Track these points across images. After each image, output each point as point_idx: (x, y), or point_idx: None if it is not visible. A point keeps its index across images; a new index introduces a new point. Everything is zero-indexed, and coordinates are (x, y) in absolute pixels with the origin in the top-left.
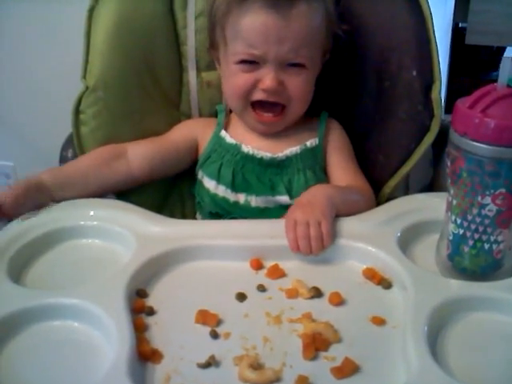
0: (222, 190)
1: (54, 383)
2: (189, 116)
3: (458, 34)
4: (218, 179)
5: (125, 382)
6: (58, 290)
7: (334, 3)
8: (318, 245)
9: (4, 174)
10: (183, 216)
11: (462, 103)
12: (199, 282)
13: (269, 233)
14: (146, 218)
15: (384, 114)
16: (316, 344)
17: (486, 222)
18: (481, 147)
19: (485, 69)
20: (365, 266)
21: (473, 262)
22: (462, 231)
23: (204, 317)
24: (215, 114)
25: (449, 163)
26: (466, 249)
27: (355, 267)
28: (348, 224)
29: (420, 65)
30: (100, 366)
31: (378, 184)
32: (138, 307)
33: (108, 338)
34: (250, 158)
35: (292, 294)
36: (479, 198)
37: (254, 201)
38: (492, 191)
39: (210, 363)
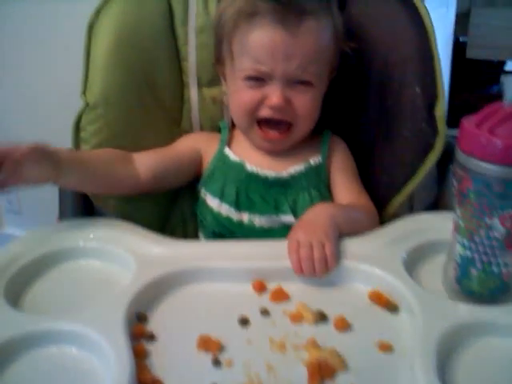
0: (225, 209)
1: None
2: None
3: (458, 47)
4: (222, 197)
5: None
6: (56, 314)
7: (342, 21)
8: (322, 267)
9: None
10: (185, 235)
11: (468, 122)
12: (201, 305)
13: (272, 254)
14: (146, 238)
15: (387, 131)
16: (321, 372)
17: (495, 244)
18: (488, 168)
19: (486, 83)
20: (370, 289)
21: (481, 285)
22: (469, 253)
23: (206, 343)
24: (217, 130)
25: (455, 183)
26: (475, 272)
27: (360, 290)
28: (352, 245)
29: (423, 81)
30: None
31: (382, 202)
32: (138, 333)
33: (107, 365)
34: (254, 177)
35: (296, 318)
36: (487, 220)
37: (258, 220)
38: (500, 212)
39: None
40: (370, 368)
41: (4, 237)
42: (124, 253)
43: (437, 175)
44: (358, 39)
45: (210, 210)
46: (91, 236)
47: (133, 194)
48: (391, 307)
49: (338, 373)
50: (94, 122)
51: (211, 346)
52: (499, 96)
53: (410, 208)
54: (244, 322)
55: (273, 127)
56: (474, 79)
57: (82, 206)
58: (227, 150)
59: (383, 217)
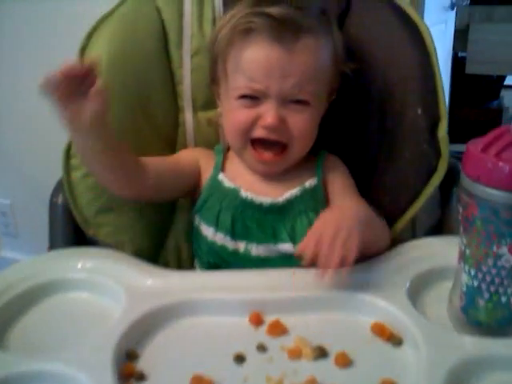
0: (220, 238)
1: None
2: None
3: (457, 63)
4: (217, 226)
5: None
6: (40, 353)
7: (342, 41)
8: (343, 258)
9: (1, 213)
10: (179, 263)
11: (474, 146)
12: (194, 341)
13: (269, 284)
14: (138, 269)
15: (389, 152)
16: None
17: (503, 273)
18: (495, 194)
19: (486, 98)
20: (373, 321)
21: (488, 316)
22: (476, 283)
23: None
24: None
25: (460, 209)
26: (482, 302)
27: (362, 322)
28: (355, 273)
29: (424, 100)
30: None
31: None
32: (128, 372)
33: None
34: (248, 204)
35: (295, 354)
36: (495, 248)
37: (255, 249)
38: (508, 240)
39: None
40: None
41: (0, 260)
42: (114, 284)
43: (439, 197)
44: (358, 59)
45: (205, 239)
46: (80, 266)
47: (134, 196)
48: (395, 340)
49: None
50: None
51: None
52: (499, 111)
53: (413, 231)
54: (240, 359)
55: (267, 148)
56: (474, 94)
57: (73, 235)
58: (221, 176)
59: None
